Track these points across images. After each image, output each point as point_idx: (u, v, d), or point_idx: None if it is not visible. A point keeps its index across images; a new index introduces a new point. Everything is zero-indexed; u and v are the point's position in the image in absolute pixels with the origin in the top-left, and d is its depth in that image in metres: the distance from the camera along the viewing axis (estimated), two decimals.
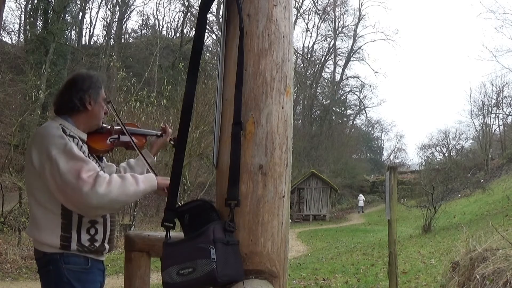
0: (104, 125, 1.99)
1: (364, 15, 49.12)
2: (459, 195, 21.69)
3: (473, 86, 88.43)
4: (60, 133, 1.72)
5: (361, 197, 32.67)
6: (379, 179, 36.81)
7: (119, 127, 2.01)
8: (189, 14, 34.61)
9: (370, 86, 46.21)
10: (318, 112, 44.00)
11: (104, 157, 2.04)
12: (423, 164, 29.60)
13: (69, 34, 30.49)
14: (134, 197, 1.77)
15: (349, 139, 43.60)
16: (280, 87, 1.52)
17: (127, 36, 37.19)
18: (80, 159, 1.68)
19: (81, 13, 32.68)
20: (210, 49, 34.48)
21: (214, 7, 28.37)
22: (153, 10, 63.21)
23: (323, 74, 45.40)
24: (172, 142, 2.20)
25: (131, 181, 1.71)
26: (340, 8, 43.39)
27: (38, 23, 25.05)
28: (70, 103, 1.83)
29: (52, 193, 1.69)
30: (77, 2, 30.08)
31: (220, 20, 22.51)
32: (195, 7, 32.36)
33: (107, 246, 1.85)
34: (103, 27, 34.08)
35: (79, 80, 1.88)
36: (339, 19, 43.76)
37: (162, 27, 38.11)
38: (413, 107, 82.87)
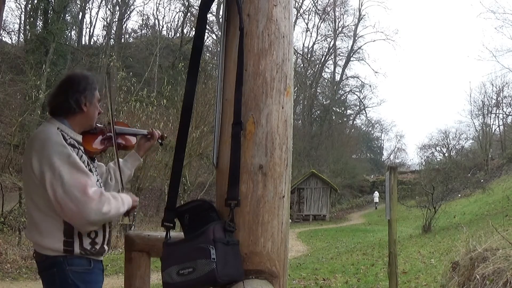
0: (97, 125, 1.97)
1: (364, 15, 49.10)
2: (459, 195, 21.68)
3: (473, 86, 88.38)
4: (61, 140, 1.70)
5: (376, 193, 32.89)
6: (379, 179, 36.79)
7: (110, 127, 2.00)
8: (189, 14, 34.62)
9: (370, 86, 46.38)
10: (318, 112, 43.99)
11: (95, 157, 2.02)
12: (423, 164, 29.64)
13: (69, 34, 30.48)
14: (118, 216, 1.84)
15: (349, 139, 43.57)
16: (280, 87, 1.52)
17: (127, 36, 37.20)
18: (83, 172, 1.69)
19: (81, 13, 32.69)
20: (210, 49, 34.47)
21: (214, 7, 28.37)
22: (153, 10, 63.21)
23: (323, 74, 45.44)
24: (160, 141, 2.22)
25: (121, 202, 1.79)
26: (340, 8, 43.44)
27: (38, 23, 25.03)
28: (66, 104, 1.81)
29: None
30: (77, 2, 30.08)
31: (220, 20, 22.49)
32: (195, 7, 32.37)
33: (106, 247, 1.87)
34: (103, 27, 34.08)
35: (74, 81, 1.86)
36: (339, 19, 43.81)
37: (162, 27, 38.11)
38: (413, 107, 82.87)
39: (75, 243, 1.73)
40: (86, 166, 1.75)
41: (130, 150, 2.18)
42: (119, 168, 2.02)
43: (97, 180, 1.84)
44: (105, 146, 1.98)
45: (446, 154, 34.92)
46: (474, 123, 37.56)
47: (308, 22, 44.32)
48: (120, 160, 2.13)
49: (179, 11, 37.28)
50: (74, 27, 31.09)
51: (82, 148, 1.83)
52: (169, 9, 61.45)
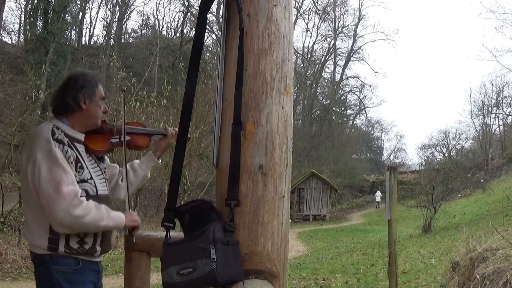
0: (105, 124, 1.95)
1: (364, 15, 49.09)
2: (459, 195, 21.67)
3: (473, 86, 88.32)
4: (48, 136, 1.70)
5: (378, 193, 32.81)
6: (379, 179, 36.74)
7: (121, 127, 1.95)
8: (189, 14, 34.62)
9: (370, 86, 46.33)
10: (318, 112, 43.97)
11: (106, 158, 1.99)
12: (423, 164, 29.66)
13: (69, 34, 30.48)
14: (99, 230, 1.78)
15: (349, 139, 43.54)
16: (280, 87, 1.52)
17: (127, 36, 37.20)
18: (62, 169, 1.66)
19: (81, 13, 32.63)
20: (210, 49, 34.45)
21: (214, 7, 28.33)
22: (153, 10, 63.33)
23: (323, 74, 45.40)
24: None
25: (104, 215, 1.72)
26: (340, 8, 43.40)
27: (38, 23, 25.02)
28: (64, 103, 1.81)
29: None
30: (77, 2, 30.06)
31: (220, 20, 22.50)
32: (195, 7, 32.36)
33: (98, 248, 1.81)
34: (103, 27, 34.04)
35: (72, 79, 1.86)
36: (339, 19, 43.77)
37: (162, 27, 38.06)
38: (413, 107, 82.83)
39: (60, 241, 1.70)
40: (72, 163, 1.72)
41: (143, 150, 2.13)
42: (126, 168, 1.98)
43: (90, 178, 1.79)
44: (111, 146, 1.94)
45: (446, 154, 34.94)
46: (474, 123, 37.59)
47: (308, 22, 44.30)
48: (136, 161, 2.11)
49: (179, 11, 37.31)
50: (74, 27, 31.08)
51: (78, 145, 1.80)
52: (169, 9, 61.64)
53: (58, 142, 1.72)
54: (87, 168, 1.81)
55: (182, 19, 35.92)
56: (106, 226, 1.75)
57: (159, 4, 52.80)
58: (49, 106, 1.94)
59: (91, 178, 1.81)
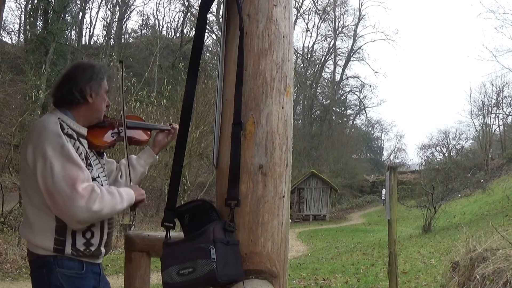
0: (106, 118, 1.87)
1: (364, 15, 49.07)
2: (459, 195, 21.66)
3: (473, 86, 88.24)
4: (58, 130, 1.60)
5: (384, 191, 32.81)
6: (379, 179, 36.77)
7: (121, 121, 1.87)
8: (189, 14, 34.62)
9: (370, 86, 46.31)
10: (318, 112, 43.97)
11: (104, 153, 1.93)
12: (423, 164, 29.67)
13: (69, 34, 30.50)
14: (116, 213, 1.74)
15: (349, 139, 43.52)
16: (280, 87, 1.52)
17: (127, 36, 37.19)
18: (76, 165, 1.58)
19: (81, 13, 32.61)
20: (210, 49, 34.46)
21: (214, 7, 28.31)
22: (153, 10, 63.26)
23: (323, 74, 45.40)
24: None
25: (118, 199, 1.66)
26: (340, 8, 43.41)
27: (38, 23, 25.07)
28: (70, 95, 1.70)
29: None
30: (77, 2, 30.08)
31: (220, 20, 22.49)
32: (195, 7, 32.37)
33: (103, 250, 1.75)
34: (103, 27, 34.05)
35: (79, 70, 1.75)
36: (339, 19, 43.78)
37: (162, 27, 38.04)
38: (413, 107, 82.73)
39: (67, 242, 1.62)
40: (83, 159, 1.64)
41: (143, 145, 2.06)
42: (128, 164, 1.90)
43: (98, 176, 1.73)
44: (113, 140, 1.87)
45: (446, 154, 34.92)
46: (474, 123, 37.59)
47: (308, 22, 44.26)
48: (133, 156, 2.02)
49: (179, 11, 37.31)
50: (74, 27, 31.08)
51: (82, 140, 1.72)
52: (169, 9, 61.52)
53: (68, 136, 1.62)
54: (94, 165, 1.74)
55: (182, 19, 35.96)
56: (122, 208, 1.69)
57: (159, 4, 52.78)
58: (51, 97, 1.80)
59: (98, 176, 1.74)
